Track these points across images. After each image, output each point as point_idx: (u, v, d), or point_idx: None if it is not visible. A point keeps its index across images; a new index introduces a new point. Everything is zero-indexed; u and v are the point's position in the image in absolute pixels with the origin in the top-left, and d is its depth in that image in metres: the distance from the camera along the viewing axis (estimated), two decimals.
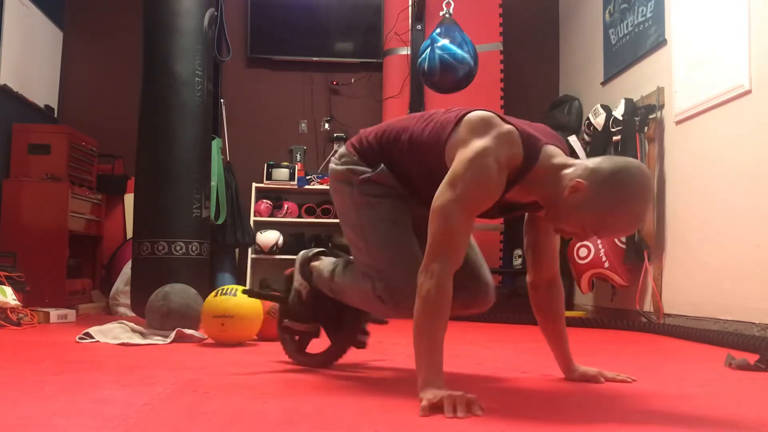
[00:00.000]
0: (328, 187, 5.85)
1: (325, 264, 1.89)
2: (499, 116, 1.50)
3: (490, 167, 1.42)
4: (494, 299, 1.76)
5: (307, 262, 1.94)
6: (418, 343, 1.39)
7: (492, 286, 1.77)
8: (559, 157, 1.49)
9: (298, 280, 1.96)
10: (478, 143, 1.44)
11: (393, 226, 1.66)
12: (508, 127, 1.47)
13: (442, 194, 1.44)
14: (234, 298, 2.52)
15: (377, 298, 1.64)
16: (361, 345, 1.93)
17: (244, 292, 2.39)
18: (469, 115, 1.52)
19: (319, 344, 2.01)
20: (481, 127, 1.47)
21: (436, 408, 1.28)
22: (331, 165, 1.81)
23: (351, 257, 1.81)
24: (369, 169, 1.70)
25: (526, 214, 1.70)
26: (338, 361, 1.96)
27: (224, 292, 2.56)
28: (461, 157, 1.45)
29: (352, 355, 2.29)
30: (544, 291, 1.73)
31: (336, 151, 1.82)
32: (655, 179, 3.66)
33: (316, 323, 1.96)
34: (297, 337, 2.01)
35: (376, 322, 1.98)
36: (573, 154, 3.92)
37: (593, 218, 1.42)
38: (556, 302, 1.74)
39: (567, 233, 1.50)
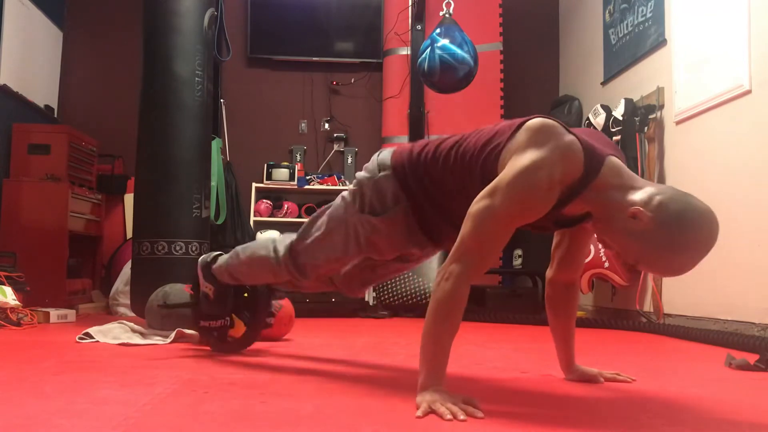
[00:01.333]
0: (327, 188, 5.82)
1: (223, 259, 2.12)
2: (562, 125, 1.41)
3: (540, 181, 1.32)
4: None
5: (208, 266, 2.16)
6: (424, 344, 1.37)
7: None
8: (624, 174, 1.40)
9: (203, 284, 2.18)
10: (534, 153, 1.34)
11: (344, 240, 1.74)
12: (570, 137, 1.37)
13: (480, 199, 1.37)
14: None
15: (274, 258, 1.87)
16: (269, 325, 2.24)
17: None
18: (530, 121, 1.42)
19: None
20: (541, 136, 1.37)
21: (433, 412, 1.27)
22: (365, 173, 1.76)
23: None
24: (384, 207, 1.68)
25: None
26: (255, 343, 2.27)
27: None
28: (513, 164, 1.36)
29: (352, 355, 2.29)
30: (561, 290, 1.70)
31: (379, 153, 1.80)
32: (655, 179, 3.66)
33: (228, 316, 2.19)
34: (215, 333, 2.24)
35: (277, 298, 2.28)
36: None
37: (641, 251, 1.34)
38: (571, 302, 1.72)
39: (607, 248, 1.44)
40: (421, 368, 1.37)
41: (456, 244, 1.37)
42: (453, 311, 1.36)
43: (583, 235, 1.63)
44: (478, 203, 1.37)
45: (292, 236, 1.91)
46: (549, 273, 1.71)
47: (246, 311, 2.19)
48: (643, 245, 1.33)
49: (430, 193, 1.62)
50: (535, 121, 1.41)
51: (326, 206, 1.85)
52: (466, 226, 1.37)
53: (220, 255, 2.17)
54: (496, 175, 1.39)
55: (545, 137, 1.36)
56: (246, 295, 2.18)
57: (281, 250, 1.89)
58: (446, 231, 1.63)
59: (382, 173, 1.70)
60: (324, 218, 1.82)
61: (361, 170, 1.79)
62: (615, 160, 1.41)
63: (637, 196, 1.34)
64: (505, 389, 1.70)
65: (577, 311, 1.77)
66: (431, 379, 1.34)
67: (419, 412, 1.28)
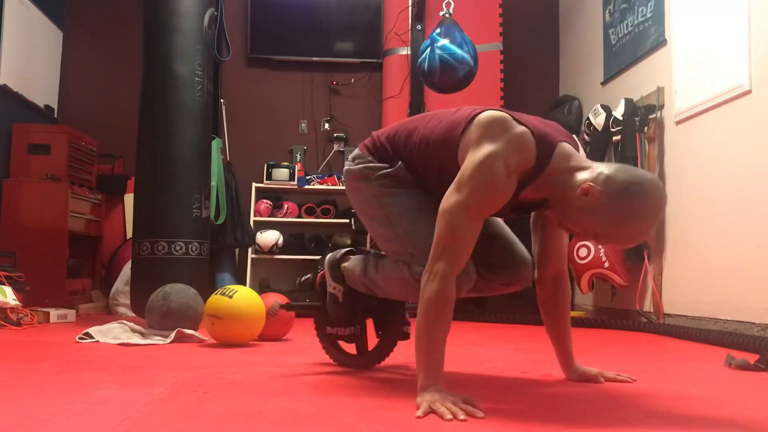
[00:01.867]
0: (328, 188, 5.82)
1: (356, 262, 1.85)
2: (512, 116, 1.47)
3: (499, 171, 1.39)
4: (533, 276, 1.73)
5: (337, 264, 1.90)
6: (418, 345, 1.39)
7: (530, 262, 1.72)
8: (574, 157, 1.48)
9: (331, 285, 1.91)
10: (489, 147, 1.42)
11: (420, 211, 1.63)
12: (521, 129, 1.44)
13: (449, 196, 1.43)
14: (227, 300, 2.50)
15: (416, 282, 1.55)
16: (406, 336, 1.88)
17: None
18: (480, 115, 1.49)
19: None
20: (493, 129, 1.44)
21: (433, 412, 1.28)
22: (346, 167, 1.79)
23: (380, 252, 1.78)
24: (386, 165, 1.68)
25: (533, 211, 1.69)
26: (388, 357, 1.92)
27: (224, 292, 2.56)
28: (470, 159, 1.43)
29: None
30: (549, 288, 1.72)
31: (351, 154, 1.79)
32: None
33: (358, 324, 1.92)
34: (340, 342, 1.98)
35: (403, 337, 1.90)
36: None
37: (597, 225, 1.41)
38: (562, 300, 1.73)
39: (569, 231, 1.51)
40: (419, 369, 1.38)
41: (433, 243, 1.42)
42: (443, 309, 1.38)
43: (555, 229, 1.65)
44: (447, 200, 1.43)
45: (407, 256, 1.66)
46: (535, 274, 1.73)
47: (379, 321, 1.92)
48: (599, 218, 1.40)
49: (406, 162, 1.66)
50: (485, 116, 1.48)
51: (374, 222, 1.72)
52: (439, 225, 1.42)
53: (350, 252, 1.93)
54: (453, 164, 1.48)
55: (497, 130, 1.44)
56: (376, 302, 1.88)
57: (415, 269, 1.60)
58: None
59: (357, 159, 1.74)
60: (381, 228, 1.69)
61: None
62: (566, 146, 1.48)
63: (586, 174, 1.42)
64: (505, 389, 1.70)
65: (569, 309, 1.76)
66: (430, 379, 1.36)
67: (419, 413, 1.28)
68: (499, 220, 1.78)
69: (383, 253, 1.76)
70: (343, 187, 5.96)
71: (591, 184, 1.39)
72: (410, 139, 1.65)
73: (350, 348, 1.98)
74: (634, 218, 1.38)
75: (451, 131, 1.54)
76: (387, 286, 1.74)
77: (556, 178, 1.45)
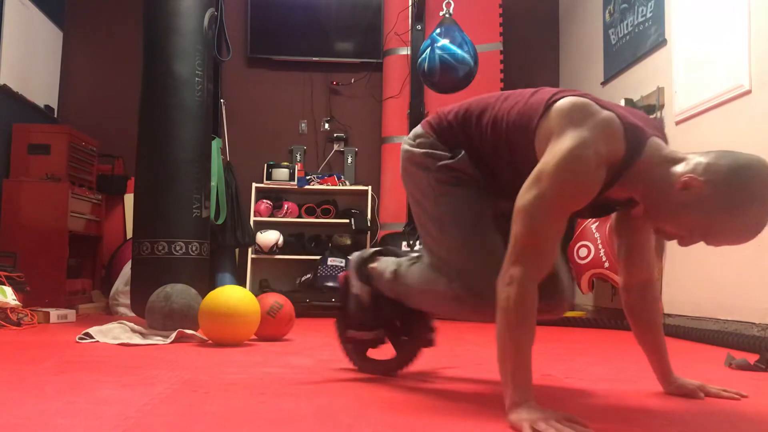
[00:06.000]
0: (327, 188, 5.80)
1: (386, 264, 1.72)
2: (595, 101, 1.32)
3: (587, 161, 1.23)
4: (569, 306, 1.59)
5: (364, 263, 1.78)
6: (502, 358, 1.24)
7: (570, 290, 1.58)
8: (666, 149, 1.32)
9: (356, 285, 1.79)
10: (574, 134, 1.25)
11: (476, 219, 1.49)
12: (607, 113, 1.29)
13: (528, 191, 1.26)
14: (225, 300, 2.54)
15: (454, 298, 1.47)
16: (431, 343, 1.77)
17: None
18: (560, 101, 1.33)
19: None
20: (575, 115, 1.28)
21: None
22: (404, 146, 1.62)
23: (413, 256, 1.66)
24: (448, 154, 1.52)
25: (615, 213, 1.53)
26: (412, 365, 1.82)
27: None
28: (553, 149, 1.26)
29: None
30: (637, 295, 1.55)
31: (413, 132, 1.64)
32: None
33: (382, 329, 1.80)
34: (365, 346, 1.87)
35: (428, 344, 1.78)
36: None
37: (704, 220, 1.25)
38: (652, 307, 1.56)
39: (669, 235, 1.33)
40: (506, 384, 1.23)
41: (510, 245, 1.27)
42: (525, 317, 1.23)
43: (643, 231, 1.51)
44: (525, 196, 1.26)
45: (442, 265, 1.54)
46: (621, 280, 1.57)
47: (403, 327, 1.80)
48: (706, 214, 1.25)
49: (473, 145, 1.51)
50: (565, 101, 1.32)
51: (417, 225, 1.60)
52: (517, 225, 1.26)
53: (379, 252, 1.81)
54: (528, 153, 1.32)
55: (580, 116, 1.28)
56: (404, 307, 1.74)
57: (454, 278, 1.49)
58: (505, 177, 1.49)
59: (419, 139, 1.59)
60: (431, 225, 1.55)
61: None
62: (656, 139, 1.33)
63: (681, 167, 1.27)
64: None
65: (661, 316, 1.60)
66: (521, 395, 1.21)
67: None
68: None
69: (419, 253, 1.63)
70: (343, 187, 5.94)
71: (691, 175, 1.24)
72: (481, 119, 1.48)
73: (372, 353, 1.87)
74: (746, 205, 1.22)
75: (526, 116, 1.37)
76: (420, 296, 1.61)
77: (649, 173, 1.29)
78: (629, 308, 1.58)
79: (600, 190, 1.28)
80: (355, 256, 1.83)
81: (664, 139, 1.38)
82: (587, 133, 1.25)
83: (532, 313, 1.24)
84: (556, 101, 1.34)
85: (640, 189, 1.32)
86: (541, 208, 1.24)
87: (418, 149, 1.58)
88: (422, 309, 1.69)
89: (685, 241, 1.31)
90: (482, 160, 1.50)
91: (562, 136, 1.27)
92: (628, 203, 1.40)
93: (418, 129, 1.62)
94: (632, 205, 1.40)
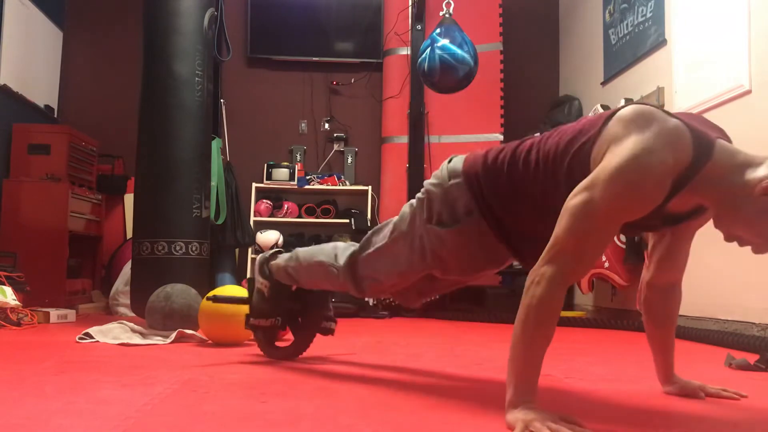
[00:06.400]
0: (327, 188, 5.78)
1: (282, 257, 2.03)
2: (661, 109, 1.24)
3: (650, 171, 1.15)
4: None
5: (266, 262, 2.07)
6: (513, 354, 1.21)
7: None
8: (737, 153, 1.23)
9: (259, 281, 2.09)
10: (637, 139, 1.17)
11: (419, 263, 1.59)
12: (674, 121, 1.20)
13: (576, 194, 1.19)
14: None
15: (334, 258, 1.79)
16: (328, 331, 2.08)
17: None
18: (623, 110, 1.25)
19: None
20: (640, 122, 1.19)
21: None
22: (428, 185, 1.58)
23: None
24: (456, 217, 1.50)
25: None
26: (305, 352, 2.13)
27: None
28: (614, 153, 1.18)
29: (352, 355, 2.29)
30: (660, 293, 1.53)
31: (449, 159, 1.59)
32: None
33: (278, 317, 2.08)
34: (263, 333, 2.15)
35: (324, 332, 2.09)
36: None
37: None
38: (672, 307, 1.54)
39: (743, 241, 1.27)
40: (509, 382, 1.21)
41: (549, 243, 1.21)
42: (546, 319, 1.20)
43: (686, 232, 1.46)
44: (575, 197, 1.19)
45: (355, 246, 1.81)
46: (646, 275, 1.53)
47: (301, 315, 2.11)
48: None
49: (506, 205, 1.44)
50: (628, 109, 1.24)
51: (393, 217, 1.72)
52: (560, 223, 1.20)
53: (280, 252, 2.09)
54: (587, 176, 1.21)
55: (645, 122, 1.20)
56: (299, 298, 2.08)
57: (342, 259, 1.78)
58: (527, 245, 1.45)
59: (452, 181, 1.51)
60: (388, 227, 1.69)
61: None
62: (724, 143, 1.25)
63: (761, 171, 1.19)
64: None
65: (677, 317, 1.57)
66: (521, 395, 1.19)
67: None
68: None
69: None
70: (343, 187, 5.92)
71: None
72: (530, 154, 1.38)
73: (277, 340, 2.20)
74: None
75: (583, 133, 1.28)
76: (306, 269, 1.90)
77: (722, 179, 1.21)
78: (648, 304, 1.55)
79: (664, 201, 1.21)
80: (259, 257, 2.11)
81: (728, 140, 1.31)
82: (653, 139, 1.17)
83: (554, 316, 1.21)
84: (617, 111, 1.26)
85: (713, 195, 1.24)
86: (589, 212, 1.17)
87: (440, 199, 1.53)
88: (312, 284, 1.96)
89: (760, 249, 1.26)
90: (510, 205, 1.44)
91: (625, 140, 1.18)
92: (697, 211, 1.33)
93: (457, 165, 1.53)
94: (702, 212, 1.33)
